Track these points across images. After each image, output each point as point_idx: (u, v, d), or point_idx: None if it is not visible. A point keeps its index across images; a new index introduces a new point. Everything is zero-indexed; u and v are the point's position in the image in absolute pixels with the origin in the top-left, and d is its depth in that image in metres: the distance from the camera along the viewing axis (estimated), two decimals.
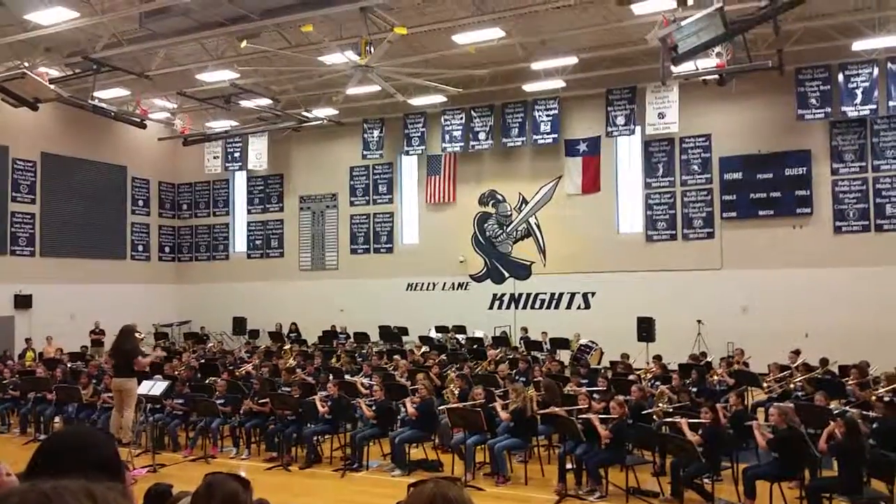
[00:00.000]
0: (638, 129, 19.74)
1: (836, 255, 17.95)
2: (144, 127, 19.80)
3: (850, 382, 11.88)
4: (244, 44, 15.22)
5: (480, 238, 22.37)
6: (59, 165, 22.48)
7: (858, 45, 16.56)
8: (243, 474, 3.12)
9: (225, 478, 3.02)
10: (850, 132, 18.18)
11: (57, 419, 12.82)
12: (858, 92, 17.44)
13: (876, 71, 17.26)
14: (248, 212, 26.05)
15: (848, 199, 18.16)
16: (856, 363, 12.87)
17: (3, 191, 21.13)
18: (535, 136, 20.73)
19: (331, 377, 12.77)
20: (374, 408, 10.87)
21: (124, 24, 15.67)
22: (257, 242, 25.76)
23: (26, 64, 16.49)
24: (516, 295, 21.66)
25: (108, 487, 1.14)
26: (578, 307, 20.79)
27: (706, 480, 8.44)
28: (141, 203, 25.58)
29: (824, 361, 13.59)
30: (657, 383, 12.30)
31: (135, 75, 17.51)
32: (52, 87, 15.08)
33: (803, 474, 8.11)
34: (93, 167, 23.56)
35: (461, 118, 21.49)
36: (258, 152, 23.73)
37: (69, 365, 15.90)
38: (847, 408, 9.65)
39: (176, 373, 13.90)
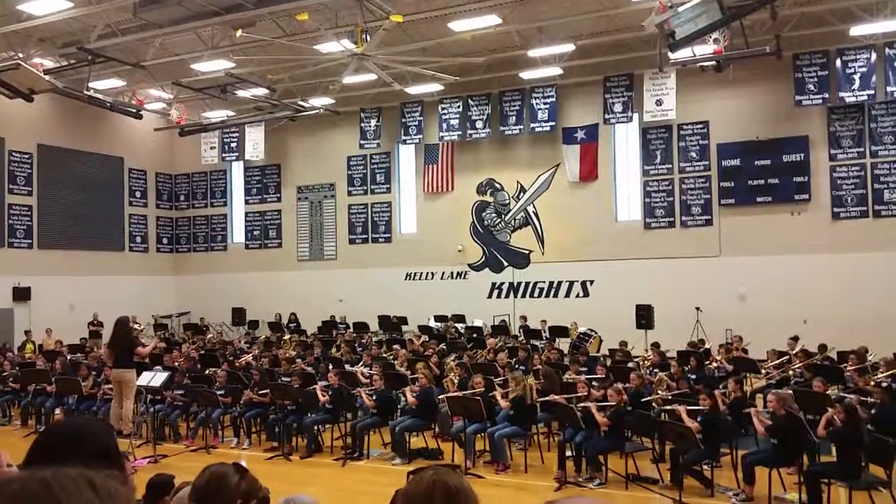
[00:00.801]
0: (636, 116, 19.68)
1: (835, 241, 17.95)
2: (140, 117, 19.74)
3: (848, 368, 11.92)
4: (239, 33, 15.15)
5: (479, 227, 22.35)
6: (55, 157, 22.41)
7: (856, 31, 16.49)
8: (244, 464, 3.12)
9: (221, 464, 3.03)
10: (848, 118, 18.14)
11: (57, 411, 12.84)
12: (856, 77, 17.39)
13: (874, 56, 17.21)
14: (246, 202, 26.00)
15: (846, 185, 18.15)
16: (854, 349, 12.90)
17: None
18: (532, 124, 20.67)
19: (331, 367, 12.80)
20: (374, 397, 10.89)
21: (118, 13, 15.59)
22: (255, 233, 25.73)
23: (20, 55, 16.41)
24: (515, 284, 21.67)
25: (107, 475, 1.15)
26: (577, 295, 20.81)
27: (705, 467, 8.48)
28: (138, 194, 25.52)
29: (823, 348, 13.64)
30: (656, 370, 12.33)
31: (130, 65, 17.44)
32: (46, 77, 15.03)
33: (802, 460, 8.14)
34: (89, 158, 23.49)
35: (458, 106, 21.43)
36: (255, 142, 23.65)
37: (69, 357, 15.91)
38: (845, 394, 9.68)
39: (176, 364, 13.92)
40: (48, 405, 12.80)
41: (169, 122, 22.34)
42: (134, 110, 19.08)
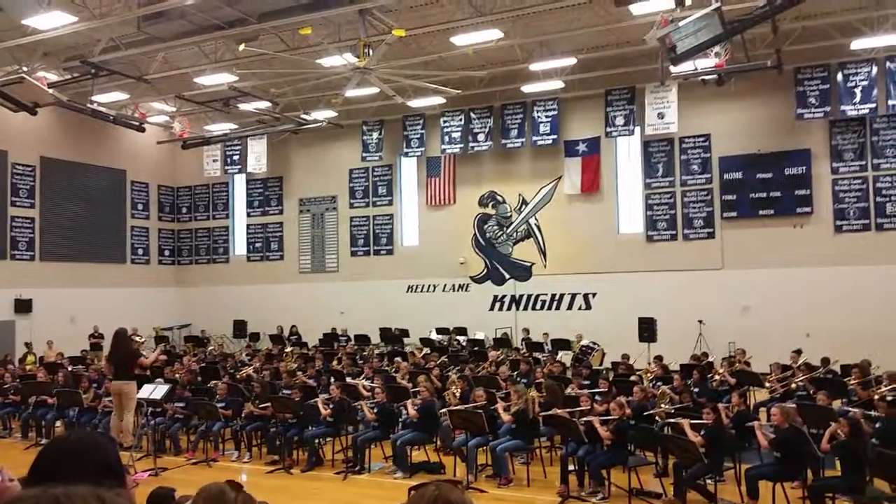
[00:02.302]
0: (637, 129, 19.74)
1: (837, 254, 17.93)
2: (143, 130, 19.82)
3: (851, 382, 11.86)
4: (242, 47, 15.22)
5: (481, 239, 22.36)
6: (58, 170, 22.47)
7: (857, 44, 16.55)
8: (244, 477, 3.11)
9: (216, 483, 3.02)
10: (850, 131, 18.17)
11: (58, 423, 12.81)
12: (857, 91, 17.43)
13: (875, 70, 17.26)
14: (248, 215, 26.05)
15: (848, 198, 18.15)
16: (857, 362, 12.84)
17: (2, 195, 21.12)
18: (534, 137, 20.72)
19: (332, 380, 12.76)
20: (375, 410, 10.86)
21: (122, 27, 15.68)
22: (257, 245, 25.75)
23: (25, 68, 16.50)
24: (517, 296, 21.64)
25: (117, 494, 1.17)
26: (579, 308, 20.77)
27: (709, 481, 8.42)
28: (140, 207, 25.57)
29: (826, 361, 13.57)
30: (659, 384, 12.28)
31: (133, 79, 17.52)
32: (50, 91, 15.09)
33: (806, 474, 8.09)
34: (92, 171, 23.55)
35: (460, 119, 21.49)
36: (257, 155, 23.72)
37: (70, 369, 15.87)
38: (849, 407, 9.64)
39: (177, 376, 13.89)
40: (49, 418, 12.76)
41: (172, 135, 22.41)
42: (137, 123, 19.15)
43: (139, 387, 11.60)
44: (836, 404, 10.40)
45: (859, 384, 11.56)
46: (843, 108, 17.62)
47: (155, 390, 11.23)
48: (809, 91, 17.95)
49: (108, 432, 11.22)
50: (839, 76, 17.62)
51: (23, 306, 21.03)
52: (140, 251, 25.42)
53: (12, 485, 2.32)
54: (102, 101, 18.84)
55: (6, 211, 21.19)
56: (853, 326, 16.59)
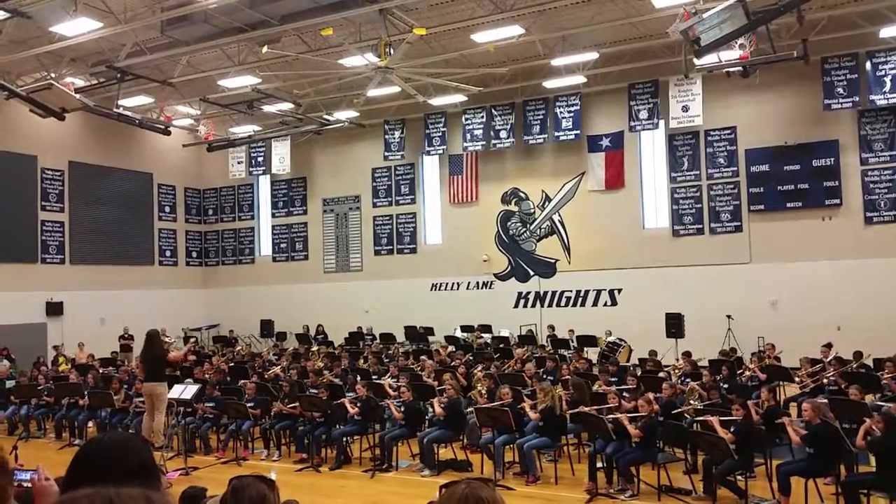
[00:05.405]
0: (661, 122, 19.54)
1: (867, 246, 17.62)
2: (169, 134, 20.04)
3: (885, 376, 11.66)
4: (265, 49, 15.34)
5: (504, 236, 22.31)
6: (86, 174, 22.82)
7: (886, 32, 16.24)
8: (273, 475, 3.14)
9: (251, 481, 3.05)
10: (879, 121, 17.84)
11: (90, 424, 13.02)
12: (887, 80, 17.09)
13: None
14: (273, 215, 26.26)
15: (878, 189, 17.82)
16: (890, 356, 12.61)
17: (32, 200, 21.51)
18: (556, 133, 20.61)
19: (358, 378, 12.83)
20: (402, 408, 10.89)
21: (146, 32, 15.89)
22: (282, 246, 25.95)
23: (53, 74, 16.79)
24: (541, 293, 21.57)
25: (163, 495, 1.25)
26: (605, 304, 20.64)
27: (739, 477, 8.34)
28: (167, 209, 25.88)
29: (858, 355, 13.34)
30: (687, 380, 12.17)
31: (158, 83, 17.73)
32: (77, 96, 15.29)
33: (839, 470, 7.97)
34: (119, 175, 23.89)
35: (482, 117, 21.45)
36: (281, 156, 23.88)
37: (101, 370, 16.12)
38: (883, 402, 9.47)
39: (206, 376, 14.04)
40: (81, 418, 12.98)
41: (197, 137, 22.63)
42: (162, 127, 19.36)
43: (169, 387, 11.74)
44: (869, 399, 10.22)
45: (893, 378, 11.36)
46: (872, 97, 17.29)
47: (185, 390, 11.37)
48: (837, 81, 17.64)
49: (140, 433, 11.38)
50: (868, 65, 17.29)
51: (54, 309, 21.41)
52: (168, 253, 25.74)
53: (48, 483, 2.36)
54: (128, 105, 19.09)
55: (36, 215, 21.58)
56: (886, 319, 16.29)
